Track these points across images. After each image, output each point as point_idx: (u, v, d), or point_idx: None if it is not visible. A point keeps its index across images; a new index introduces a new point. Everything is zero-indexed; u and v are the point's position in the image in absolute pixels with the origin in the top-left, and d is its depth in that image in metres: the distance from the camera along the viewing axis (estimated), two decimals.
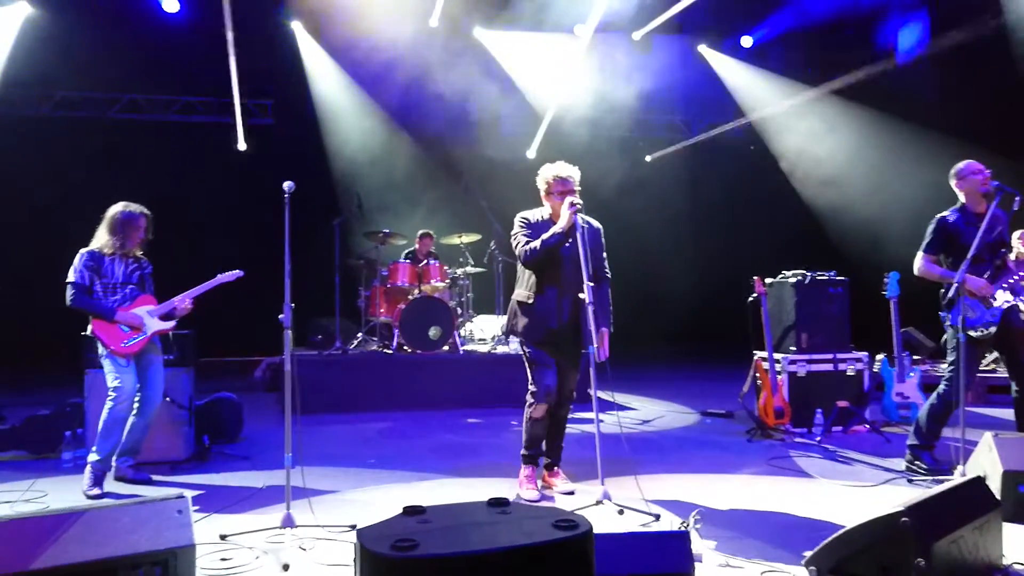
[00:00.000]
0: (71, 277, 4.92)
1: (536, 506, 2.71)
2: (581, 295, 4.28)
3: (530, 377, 4.60)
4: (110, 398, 4.87)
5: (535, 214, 4.66)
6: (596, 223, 4.74)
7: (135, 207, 5.07)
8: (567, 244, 4.45)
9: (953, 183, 5.04)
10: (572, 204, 4.41)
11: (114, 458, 4.97)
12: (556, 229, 4.44)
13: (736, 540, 3.82)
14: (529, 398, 4.58)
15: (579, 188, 4.57)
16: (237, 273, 5.17)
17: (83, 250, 5.00)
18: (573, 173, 4.59)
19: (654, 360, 12.21)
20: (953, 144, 9.56)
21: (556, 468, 4.81)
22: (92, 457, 4.85)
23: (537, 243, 4.44)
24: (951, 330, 4.91)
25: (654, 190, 12.59)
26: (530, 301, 4.55)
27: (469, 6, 10.33)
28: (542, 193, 4.65)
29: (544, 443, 4.72)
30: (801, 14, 10.66)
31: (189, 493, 3.39)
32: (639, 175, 12.75)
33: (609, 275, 4.74)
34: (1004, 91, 9.66)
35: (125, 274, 5.06)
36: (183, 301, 5.10)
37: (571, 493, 4.61)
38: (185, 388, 5.69)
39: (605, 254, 4.76)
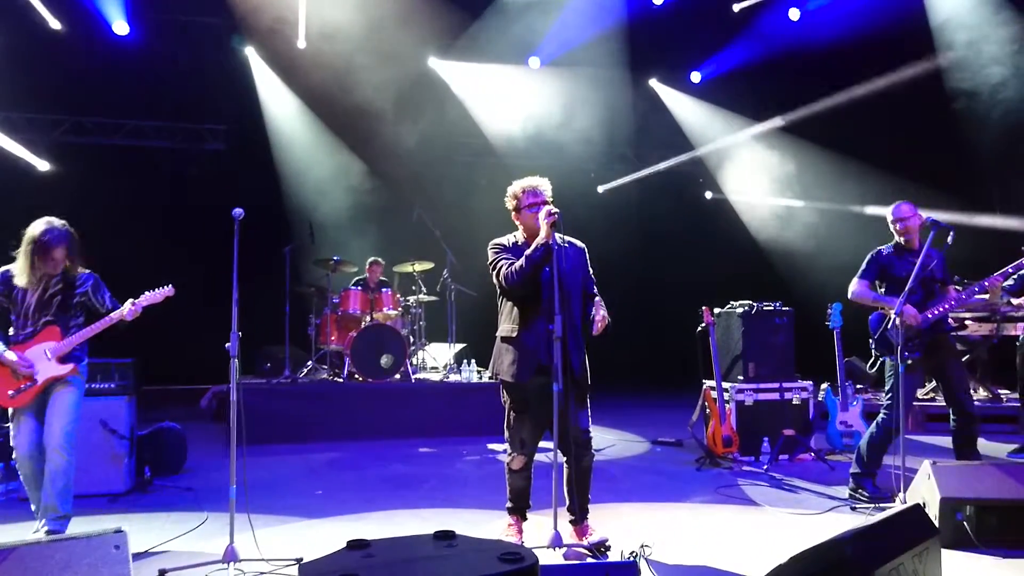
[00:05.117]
0: None
1: (482, 539, 2.68)
2: (551, 327, 3.88)
3: (505, 425, 4.25)
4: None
5: (508, 239, 4.28)
6: (579, 243, 4.35)
7: (55, 225, 4.32)
8: (547, 268, 4.00)
9: (888, 222, 5.32)
10: (550, 213, 4.00)
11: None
12: (538, 242, 4.00)
13: (684, 569, 3.85)
14: (506, 446, 4.25)
15: (552, 199, 4.20)
16: (166, 291, 4.46)
17: (1, 268, 4.41)
18: (542, 184, 4.21)
19: (604, 388, 12.22)
20: (894, 180, 9.94)
21: (584, 523, 4.24)
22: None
23: (521, 261, 4.01)
24: (888, 360, 5.11)
25: (605, 221, 12.74)
26: (515, 335, 4.12)
27: (424, 36, 10.40)
28: (512, 213, 4.27)
29: (527, 495, 4.29)
30: (748, 51, 11.00)
31: (128, 527, 3.30)
32: (591, 206, 12.89)
33: (598, 296, 4.33)
34: (941, 130, 10.07)
35: (41, 301, 4.37)
36: (84, 336, 4.38)
37: (603, 541, 4.12)
38: (127, 417, 5.54)
39: (592, 271, 4.39)
